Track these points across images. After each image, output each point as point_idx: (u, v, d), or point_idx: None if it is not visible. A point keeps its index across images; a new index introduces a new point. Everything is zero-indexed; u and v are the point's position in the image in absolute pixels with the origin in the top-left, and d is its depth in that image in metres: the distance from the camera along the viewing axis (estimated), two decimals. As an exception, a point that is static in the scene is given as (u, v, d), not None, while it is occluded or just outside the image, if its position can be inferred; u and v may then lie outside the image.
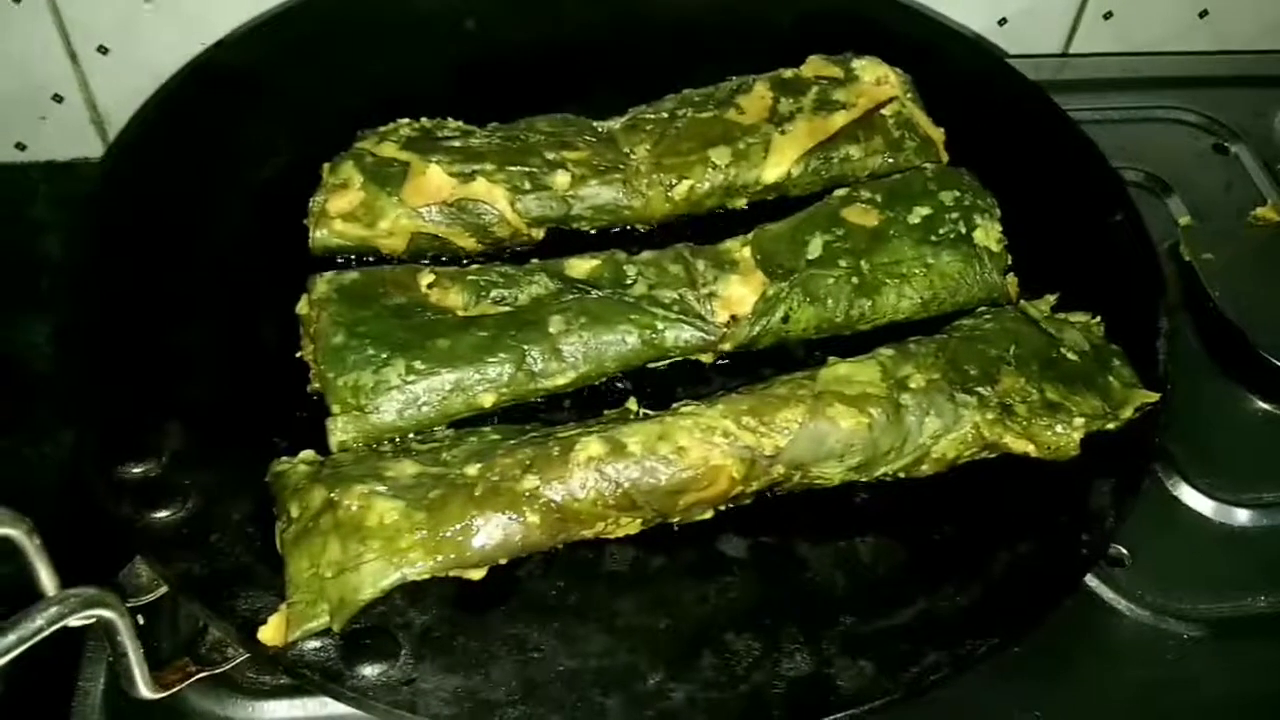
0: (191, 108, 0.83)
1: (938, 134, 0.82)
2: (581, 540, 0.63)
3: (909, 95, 0.82)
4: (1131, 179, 0.93)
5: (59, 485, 0.89)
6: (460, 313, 0.70)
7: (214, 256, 0.75)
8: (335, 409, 0.65)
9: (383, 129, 0.77)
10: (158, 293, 0.72)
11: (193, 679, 0.59)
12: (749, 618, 0.61)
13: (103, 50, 1.03)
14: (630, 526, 0.62)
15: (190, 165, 0.79)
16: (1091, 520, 0.65)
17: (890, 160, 0.80)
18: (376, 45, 0.88)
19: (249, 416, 0.67)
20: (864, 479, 0.65)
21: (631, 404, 0.67)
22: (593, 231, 0.78)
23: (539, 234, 0.77)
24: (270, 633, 0.57)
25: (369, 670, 0.57)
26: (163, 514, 0.62)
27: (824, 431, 0.63)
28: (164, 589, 0.61)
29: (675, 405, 0.66)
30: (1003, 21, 1.11)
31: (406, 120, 0.78)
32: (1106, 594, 0.72)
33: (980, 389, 0.66)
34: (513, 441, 0.64)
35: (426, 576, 0.58)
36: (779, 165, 0.78)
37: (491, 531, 0.59)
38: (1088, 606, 0.71)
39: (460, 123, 0.79)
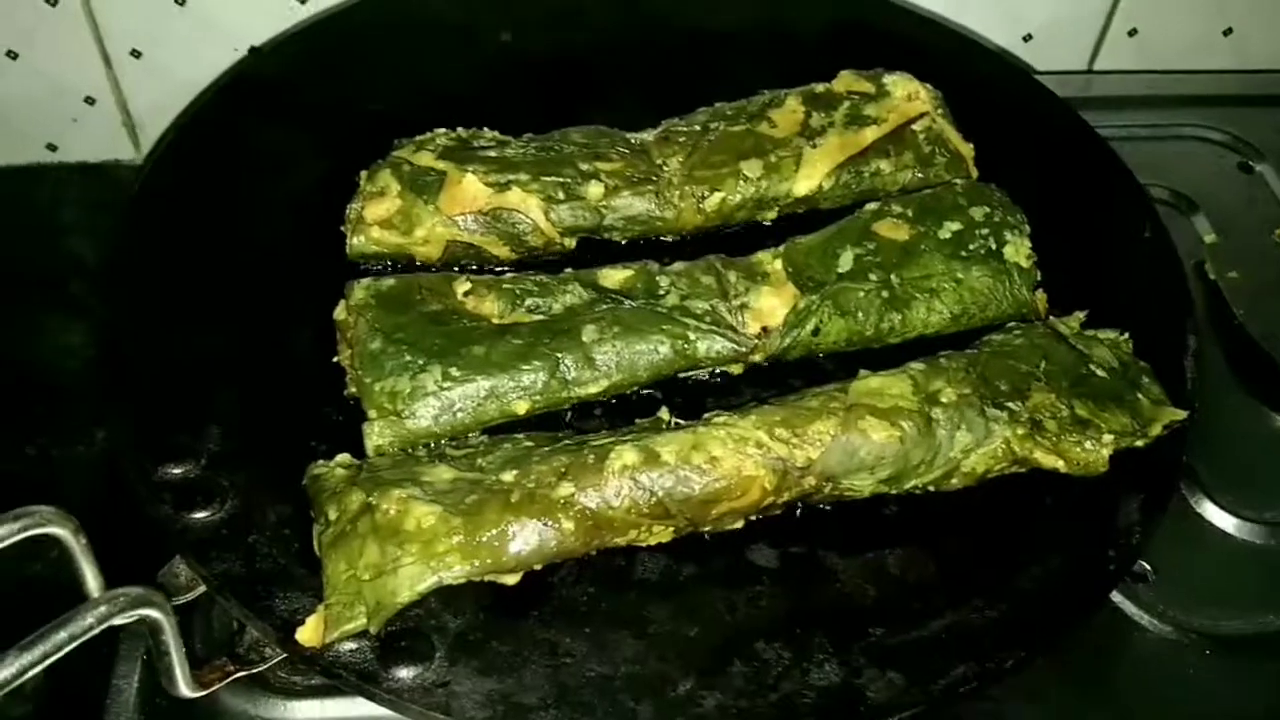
0: (229, 115, 0.84)
1: (968, 149, 0.82)
2: (614, 547, 0.63)
3: (940, 111, 0.83)
4: (1157, 197, 0.93)
5: (91, 486, 0.90)
6: (495, 320, 0.70)
7: (252, 261, 0.76)
8: (372, 414, 0.66)
9: (420, 138, 0.78)
10: (197, 297, 0.73)
11: (231, 678, 0.60)
12: (779, 627, 0.61)
13: (135, 54, 1.04)
14: (663, 535, 0.63)
15: (228, 172, 0.80)
16: (1118, 536, 0.65)
17: (920, 175, 0.81)
18: (410, 55, 0.89)
19: (286, 419, 0.68)
20: (894, 491, 0.66)
21: (664, 413, 0.67)
22: (624, 242, 0.79)
23: (571, 243, 0.78)
24: (308, 633, 0.58)
25: (404, 672, 0.58)
26: (201, 515, 0.63)
27: (856, 444, 0.64)
28: (202, 589, 0.61)
29: (708, 415, 0.66)
30: (1028, 38, 1.12)
31: (443, 130, 0.79)
32: (1130, 609, 0.73)
33: (1011, 404, 0.67)
34: (547, 448, 0.64)
35: (462, 581, 0.59)
36: (810, 179, 0.79)
37: (527, 538, 0.60)
38: (1111, 621, 0.72)
39: (496, 133, 0.80)
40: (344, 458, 0.65)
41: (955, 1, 1.05)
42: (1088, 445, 0.66)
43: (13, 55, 1.02)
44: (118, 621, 0.50)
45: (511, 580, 0.61)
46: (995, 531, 0.66)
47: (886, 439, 0.64)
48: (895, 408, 0.65)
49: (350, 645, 0.59)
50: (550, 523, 0.61)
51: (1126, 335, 0.73)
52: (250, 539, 0.62)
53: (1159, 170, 0.96)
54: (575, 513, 0.61)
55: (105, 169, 1.12)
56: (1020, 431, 0.66)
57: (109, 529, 0.69)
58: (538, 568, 0.61)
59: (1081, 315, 0.74)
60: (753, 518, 0.65)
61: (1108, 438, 0.66)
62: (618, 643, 0.60)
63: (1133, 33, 1.12)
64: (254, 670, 0.60)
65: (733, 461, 0.62)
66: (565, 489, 0.61)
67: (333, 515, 0.61)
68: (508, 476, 0.62)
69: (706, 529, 0.64)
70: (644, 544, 0.63)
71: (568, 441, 0.65)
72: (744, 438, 0.63)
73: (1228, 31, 1.12)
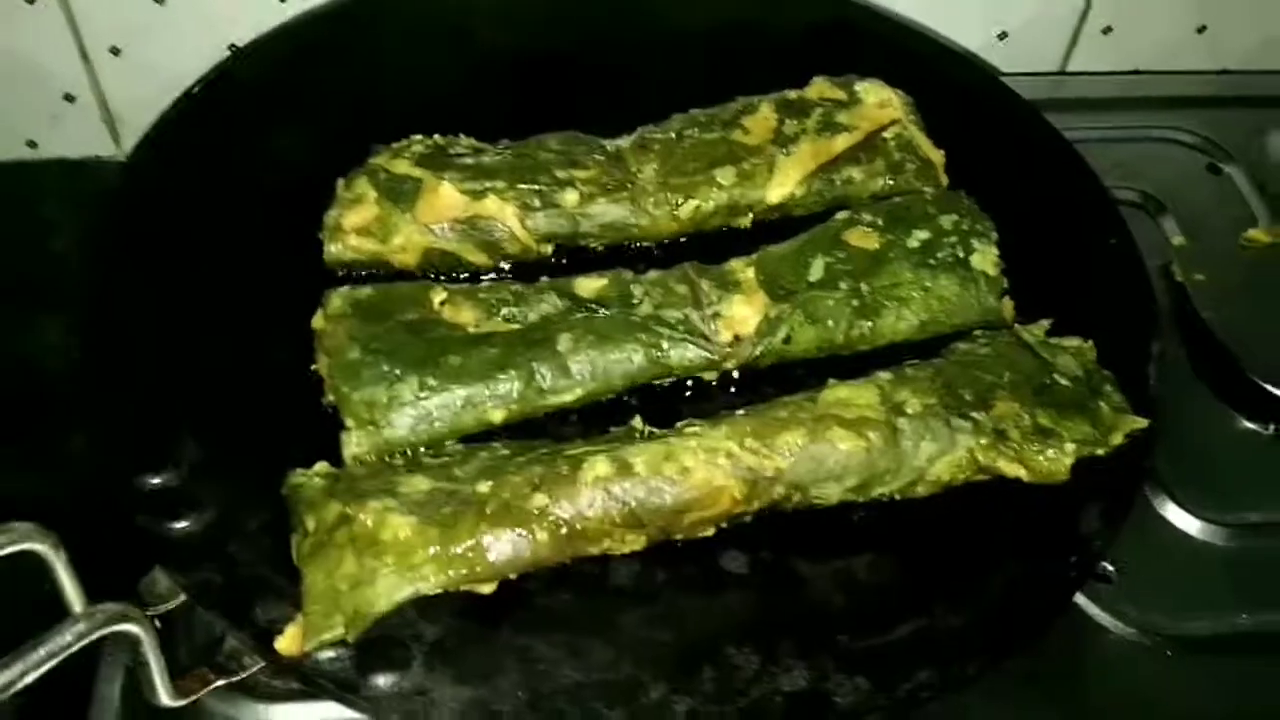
0: (205, 120, 0.84)
1: (938, 156, 0.83)
2: (588, 555, 0.65)
3: (911, 118, 0.84)
4: (1126, 198, 0.95)
5: (75, 487, 0.91)
6: (471, 329, 0.71)
7: (229, 267, 0.76)
8: (350, 423, 0.67)
9: (396, 145, 0.79)
10: (175, 303, 0.74)
11: (212, 686, 0.61)
12: (749, 633, 0.63)
13: (114, 51, 1.04)
14: (635, 543, 0.64)
15: (205, 177, 0.80)
16: (1081, 542, 0.67)
17: (891, 182, 0.82)
18: (387, 59, 0.89)
19: (264, 428, 0.69)
20: (861, 499, 0.67)
21: (637, 422, 0.68)
22: (600, 248, 0.80)
23: (548, 250, 0.79)
24: (287, 643, 0.59)
25: (382, 680, 0.59)
26: (181, 524, 0.64)
27: (823, 453, 0.65)
28: (182, 598, 0.62)
29: (680, 425, 0.68)
30: (1003, 35, 1.13)
31: (420, 136, 0.80)
32: (1092, 610, 0.74)
33: (975, 414, 0.68)
34: (522, 459, 0.66)
35: (438, 591, 0.60)
36: (783, 186, 0.80)
37: (502, 548, 0.61)
38: (1072, 621, 0.73)
39: (472, 140, 0.80)
40: (322, 466, 0.66)
41: (930, 4, 1.06)
42: (1050, 454, 0.67)
43: (-11, 53, 1.02)
44: (96, 637, 0.51)
45: (488, 589, 0.62)
46: (960, 538, 0.68)
47: (853, 449, 0.65)
48: (862, 418, 0.66)
49: (329, 654, 0.60)
50: (524, 533, 0.62)
51: (1090, 343, 0.74)
52: (229, 548, 0.63)
53: (1129, 172, 0.98)
54: (549, 523, 0.62)
55: (86, 165, 1.12)
56: (984, 441, 0.67)
57: (95, 531, 0.71)
58: (513, 577, 0.63)
59: (1046, 324, 0.75)
60: (724, 525, 0.66)
61: (1069, 446, 0.68)
62: (591, 649, 0.62)
63: (1107, 30, 1.13)
64: (234, 679, 0.61)
65: (703, 472, 0.64)
66: (539, 500, 0.62)
67: (311, 525, 0.62)
68: (483, 487, 0.63)
69: (678, 537, 0.65)
70: (617, 553, 0.64)
71: (543, 450, 0.66)
72: (715, 448, 0.65)
73: (1201, 29, 1.13)
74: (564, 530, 0.62)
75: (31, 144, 1.11)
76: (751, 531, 0.67)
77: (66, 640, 0.49)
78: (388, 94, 0.86)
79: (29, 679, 0.48)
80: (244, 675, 0.61)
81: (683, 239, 0.81)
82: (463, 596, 0.62)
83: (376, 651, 0.60)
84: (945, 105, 0.86)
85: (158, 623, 0.64)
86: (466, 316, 0.72)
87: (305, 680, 0.59)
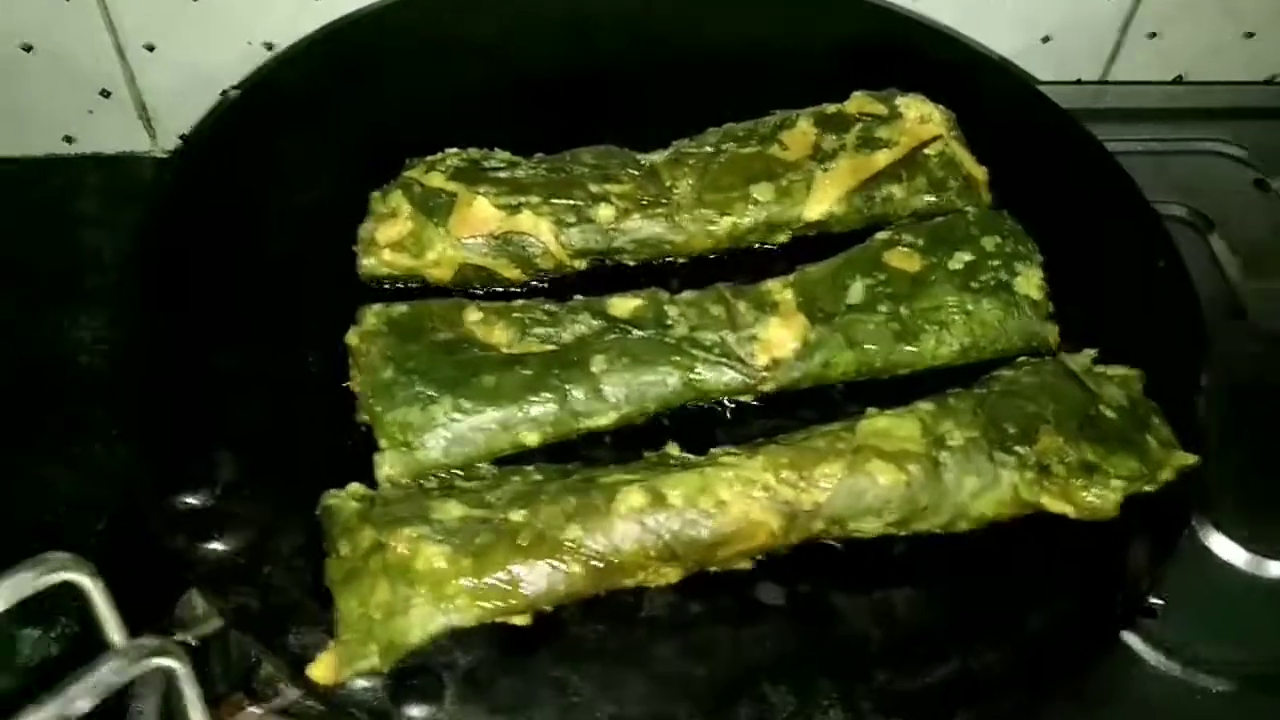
0: (241, 131, 0.84)
1: (981, 173, 0.82)
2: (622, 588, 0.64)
3: (953, 134, 0.82)
4: (1173, 214, 0.93)
5: (107, 486, 0.91)
6: (505, 349, 0.71)
7: (263, 280, 0.76)
8: (383, 444, 0.67)
9: (431, 158, 0.78)
10: (210, 318, 0.74)
11: (246, 713, 0.61)
12: (786, 669, 0.62)
13: (150, 47, 1.04)
14: (670, 575, 0.64)
15: (240, 189, 0.80)
16: (1127, 579, 0.66)
17: (933, 199, 0.80)
18: (423, 70, 0.88)
19: (298, 447, 0.69)
20: (901, 534, 0.66)
21: (672, 449, 0.68)
22: (633, 264, 0.79)
23: (581, 265, 0.78)
24: (321, 670, 0.59)
25: (415, 711, 0.59)
26: (216, 546, 0.63)
27: (862, 487, 0.64)
28: (219, 623, 0.62)
29: (715, 452, 0.67)
30: (1046, 39, 1.10)
31: (455, 150, 0.79)
32: (1136, 644, 0.73)
33: (1019, 448, 0.67)
34: (555, 486, 0.65)
35: (472, 624, 0.60)
36: (821, 203, 0.79)
37: (535, 581, 0.61)
38: (1116, 656, 0.72)
39: (507, 154, 0.80)
40: (356, 488, 0.66)
41: (970, 6, 1.03)
42: (1095, 491, 0.66)
43: (28, 48, 1.02)
44: (134, 673, 0.51)
45: (521, 621, 0.61)
46: (1002, 574, 0.66)
47: (893, 483, 0.64)
48: (903, 450, 0.65)
49: (363, 683, 0.59)
50: (558, 565, 0.61)
51: (1138, 373, 0.72)
52: (265, 571, 0.63)
53: (1174, 187, 0.95)
54: (583, 556, 0.62)
55: (121, 160, 1.13)
56: (1028, 476, 0.66)
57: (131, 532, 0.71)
58: (548, 609, 0.62)
59: (1093, 353, 0.73)
60: (760, 557, 0.65)
61: (1116, 484, 0.66)
62: (626, 681, 0.61)
63: (1153, 35, 1.11)
64: (269, 706, 0.61)
65: (740, 506, 0.63)
66: (573, 532, 0.62)
67: (345, 551, 0.62)
68: (516, 516, 0.63)
69: (714, 569, 0.65)
70: (652, 585, 0.64)
71: (576, 477, 0.66)
72: (751, 480, 0.64)
73: (1249, 35, 1.10)
74: (598, 563, 0.62)
75: (68, 139, 1.11)
76: (788, 563, 0.66)
77: (105, 677, 0.49)
78: (423, 106, 0.85)
79: (68, 717, 0.48)
80: (280, 703, 0.61)
81: (717, 255, 0.80)
82: (496, 625, 0.62)
83: (409, 681, 0.60)
84: (987, 120, 0.85)
85: (193, 641, 0.65)
86: (500, 336, 0.71)
87: (339, 710, 0.59)
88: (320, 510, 0.65)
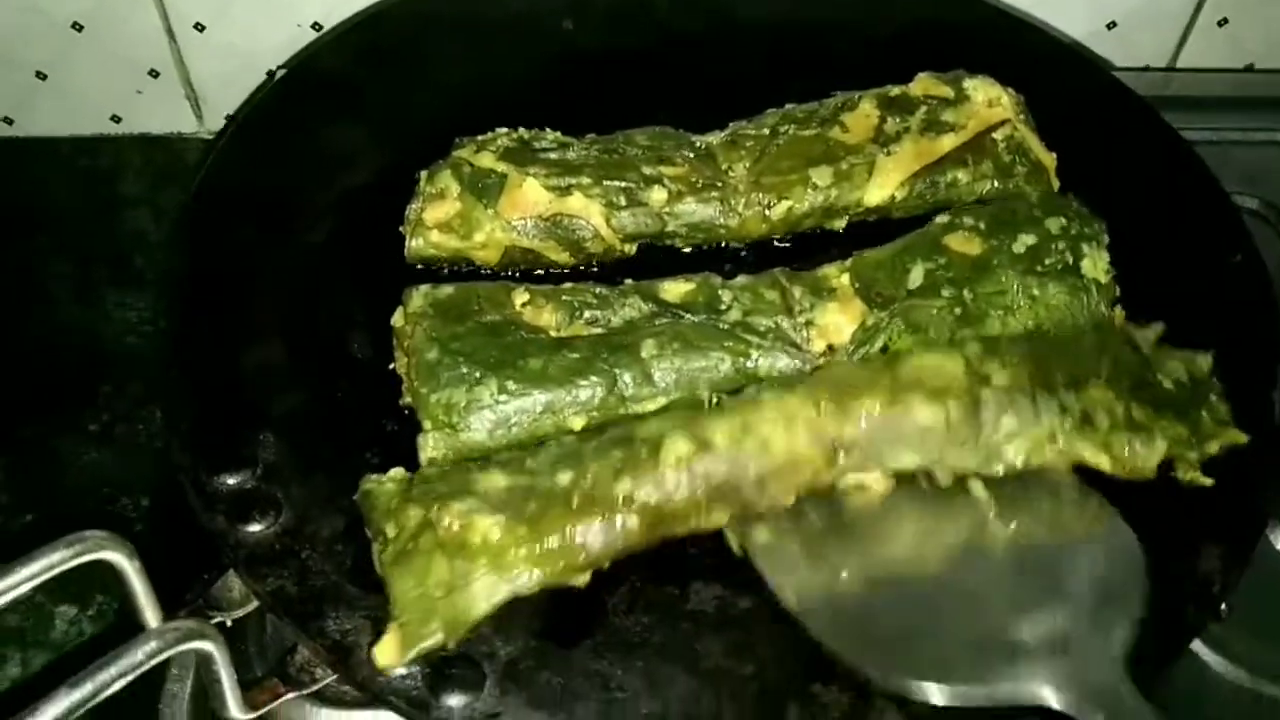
0: (288, 110, 0.83)
1: (1049, 159, 0.79)
2: (667, 574, 0.63)
3: (1021, 118, 0.79)
4: (1246, 207, 0.89)
5: (150, 466, 0.91)
6: (553, 333, 0.69)
7: (309, 261, 0.75)
8: (427, 425, 0.65)
9: (481, 138, 0.76)
10: (254, 299, 0.72)
11: (282, 700, 0.60)
12: (836, 669, 0.59)
13: (199, 28, 1.03)
14: (720, 518, 0.62)
15: (287, 168, 0.79)
16: (1197, 588, 0.63)
17: (999, 186, 0.78)
18: (472, 48, 0.87)
19: (341, 429, 0.68)
20: (939, 471, 0.64)
21: (702, 391, 0.66)
22: (685, 249, 0.77)
23: (632, 249, 0.76)
24: (386, 651, 0.57)
25: (454, 701, 0.58)
26: (256, 528, 0.62)
27: (901, 421, 0.63)
28: (254, 605, 0.61)
29: (750, 390, 0.65)
30: (1111, 25, 1.07)
31: (505, 130, 0.77)
32: (1201, 649, 0.71)
33: (1064, 395, 0.64)
34: (595, 443, 0.64)
35: (536, 589, 0.59)
36: (883, 188, 0.76)
37: (593, 539, 0.60)
38: (1180, 662, 0.69)
39: (558, 134, 0.78)
40: (396, 472, 0.64)
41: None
42: (1138, 445, 0.63)
43: (78, 27, 1.02)
44: (170, 655, 0.50)
45: (581, 580, 0.61)
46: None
47: (931, 418, 0.63)
48: (944, 386, 0.63)
49: (400, 671, 0.58)
50: (613, 521, 0.60)
51: (1208, 355, 0.69)
52: (303, 555, 0.62)
53: (1243, 176, 0.92)
54: (636, 509, 0.61)
55: (168, 141, 1.13)
56: (1069, 423, 0.63)
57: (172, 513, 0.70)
58: (606, 566, 0.61)
59: (1160, 328, 0.70)
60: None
61: (1160, 443, 0.63)
62: (670, 678, 0.59)
63: (1223, 22, 1.07)
64: (305, 691, 0.60)
65: (784, 442, 0.62)
66: (623, 486, 0.61)
67: (391, 532, 0.60)
68: (563, 479, 0.61)
69: (761, 508, 0.63)
70: (703, 530, 0.62)
71: (615, 432, 0.64)
72: (792, 415, 0.62)
73: (1326, 21, 1.06)
74: (651, 514, 0.61)
75: (115, 118, 1.11)
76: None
77: (139, 659, 0.48)
78: (471, 85, 0.84)
79: (101, 698, 0.47)
80: (315, 688, 0.60)
81: (773, 241, 0.78)
82: (537, 614, 0.60)
83: (449, 670, 0.58)
84: (1057, 104, 0.81)
85: (228, 622, 0.64)
86: (548, 319, 0.69)
87: (377, 698, 0.58)
88: (359, 496, 0.63)
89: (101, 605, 0.84)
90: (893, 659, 0.59)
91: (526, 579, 0.59)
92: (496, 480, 0.62)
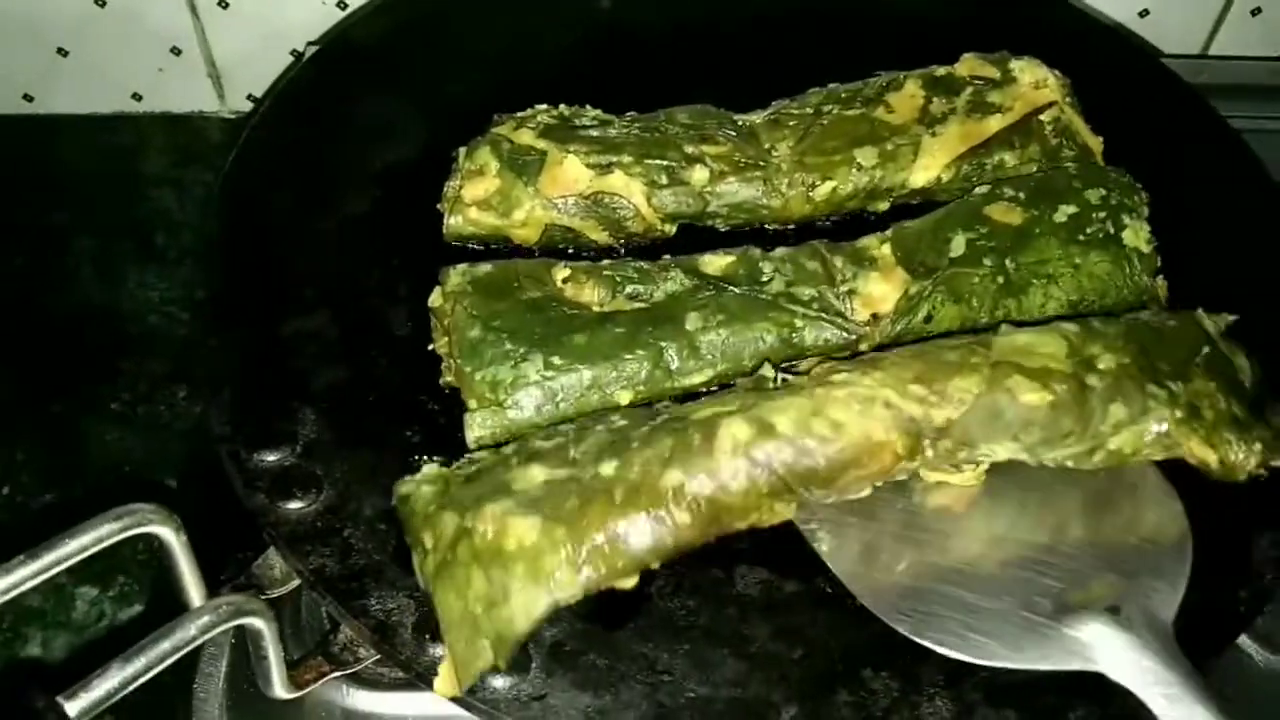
0: (323, 85, 0.82)
1: (1096, 143, 0.77)
2: (712, 557, 0.61)
3: (1068, 100, 0.78)
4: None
5: (173, 447, 0.90)
6: (595, 308, 0.68)
7: (346, 239, 0.74)
8: (472, 404, 0.64)
9: (520, 115, 0.75)
10: (291, 277, 0.72)
11: (326, 679, 0.59)
12: (887, 655, 0.58)
13: (223, 4, 1.02)
14: (785, 511, 0.59)
15: (322, 144, 0.78)
16: (1251, 575, 0.62)
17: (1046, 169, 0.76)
18: (511, 23, 0.86)
19: (381, 407, 0.67)
20: (1032, 461, 0.61)
21: (768, 370, 0.63)
22: (726, 229, 0.76)
23: (672, 229, 0.75)
24: (443, 685, 0.56)
25: (499, 682, 0.56)
26: (297, 505, 0.61)
27: (1001, 405, 0.58)
28: (295, 583, 0.60)
29: (819, 370, 0.61)
30: (1144, 13, 1.06)
31: (545, 106, 0.76)
32: (1244, 640, 0.70)
33: (1171, 384, 0.61)
34: (645, 428, 0.59)
35: (578, 598, 0.55)
36: (928, 169, 0.75)
37: (639, 537, 0.55)
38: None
39: (598, 111, 0.76)
40: (429, 471, 0.61)
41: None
42: (1240, 448, 0.60)
43: (101, 3, 1.02)
44: (223, 629, 0.49)
45: (629, 584, 0.56)
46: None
47: (1037, 402, 0.58)
48: (1046, 369, 0.59)
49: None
50: (662, 517, 0.56)
51: (1254, 361, 0.67)
52: (345, 533, 0.61)
53: (1276, 166, 0.90)
54: (688, 502, 0.56)
55: (189, 120, 1.12)
56: (1179, 415, 0.60)
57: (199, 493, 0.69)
58: (655, 566, 0.57)
59: (1230, 318, 0.68)
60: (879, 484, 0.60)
61: (1257, 446, 0.61)
62: (717, 662, 0.58)
63: (1256, 11, 1.06)
64: (348, 671, 0.59)
65: (859, 426, 0.56)
66: (673, 477, 0.56)
67: (429, 543, 0.57)
68: (606, 470, 0.57)
69: (829, 501, 0.59)
70: (766, 525, 0.59)
71: (666, 416, 0.61)
72: (870, 397, 0.57)
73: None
74: (705, 508, 0.56)
75: (137, 96, 1.10)
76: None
77: (192, 633, 0.47)
78: (509, 61, 0.83)
79: (152, 673, 0.46)
80: (359, 667, 0.59)
81: (814, 223, 0.77)
82: (584, 598, 0.59)
83: (495, 652, 0.57)
84: (1103, 87, 0.80)
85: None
86: (590, 295, 0.68)
87: (421, 678, 0.57)
88: (396, 501, 0.60)
89: (124, 587, 0.83)
90: (947, 624, 0.57)
91: (568, 587, 0.54)
92: (535, 475, 0.58)
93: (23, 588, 0.46)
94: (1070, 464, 0.61)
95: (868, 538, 0.60)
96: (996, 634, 0.57)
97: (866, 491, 0.60)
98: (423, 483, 0.60)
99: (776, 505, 0.58)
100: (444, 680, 0.55)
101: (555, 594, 0.54)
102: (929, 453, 0.58)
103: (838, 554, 0.60)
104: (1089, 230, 0.71)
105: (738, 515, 0.57)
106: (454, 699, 0.56)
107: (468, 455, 0.63)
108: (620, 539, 0.55)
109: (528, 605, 0.54)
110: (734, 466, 0.56)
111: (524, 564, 0.54)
